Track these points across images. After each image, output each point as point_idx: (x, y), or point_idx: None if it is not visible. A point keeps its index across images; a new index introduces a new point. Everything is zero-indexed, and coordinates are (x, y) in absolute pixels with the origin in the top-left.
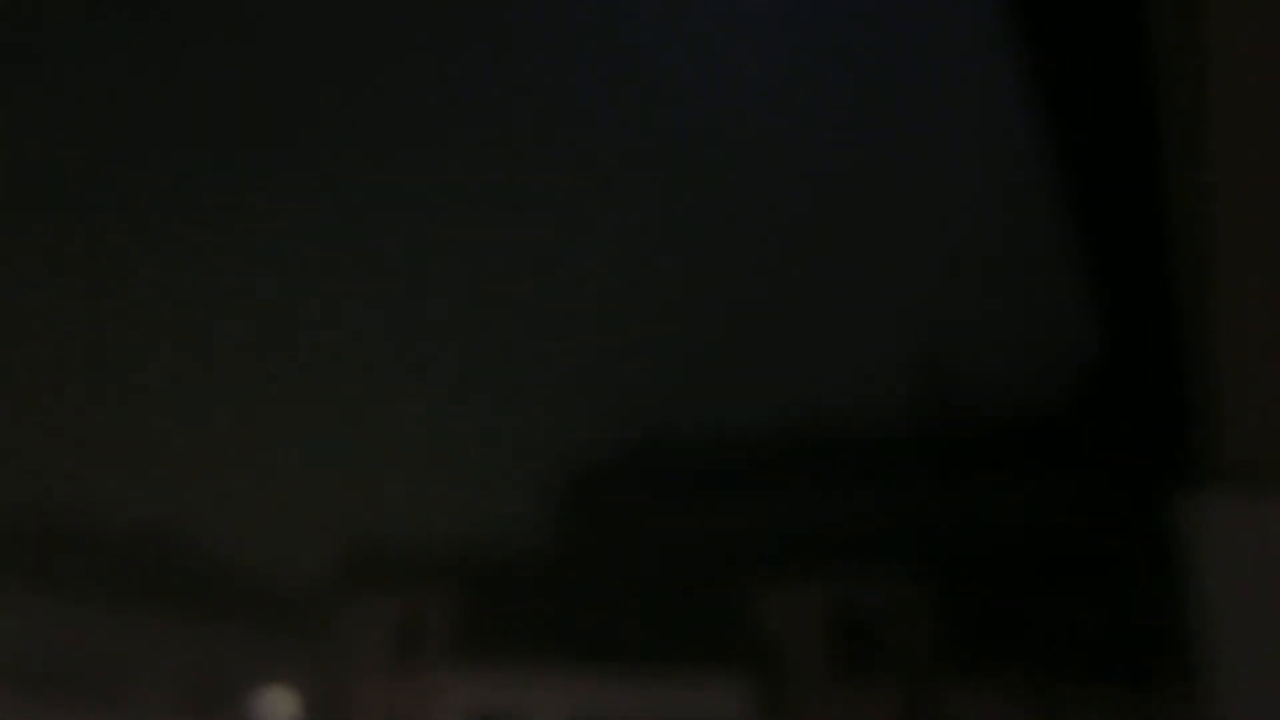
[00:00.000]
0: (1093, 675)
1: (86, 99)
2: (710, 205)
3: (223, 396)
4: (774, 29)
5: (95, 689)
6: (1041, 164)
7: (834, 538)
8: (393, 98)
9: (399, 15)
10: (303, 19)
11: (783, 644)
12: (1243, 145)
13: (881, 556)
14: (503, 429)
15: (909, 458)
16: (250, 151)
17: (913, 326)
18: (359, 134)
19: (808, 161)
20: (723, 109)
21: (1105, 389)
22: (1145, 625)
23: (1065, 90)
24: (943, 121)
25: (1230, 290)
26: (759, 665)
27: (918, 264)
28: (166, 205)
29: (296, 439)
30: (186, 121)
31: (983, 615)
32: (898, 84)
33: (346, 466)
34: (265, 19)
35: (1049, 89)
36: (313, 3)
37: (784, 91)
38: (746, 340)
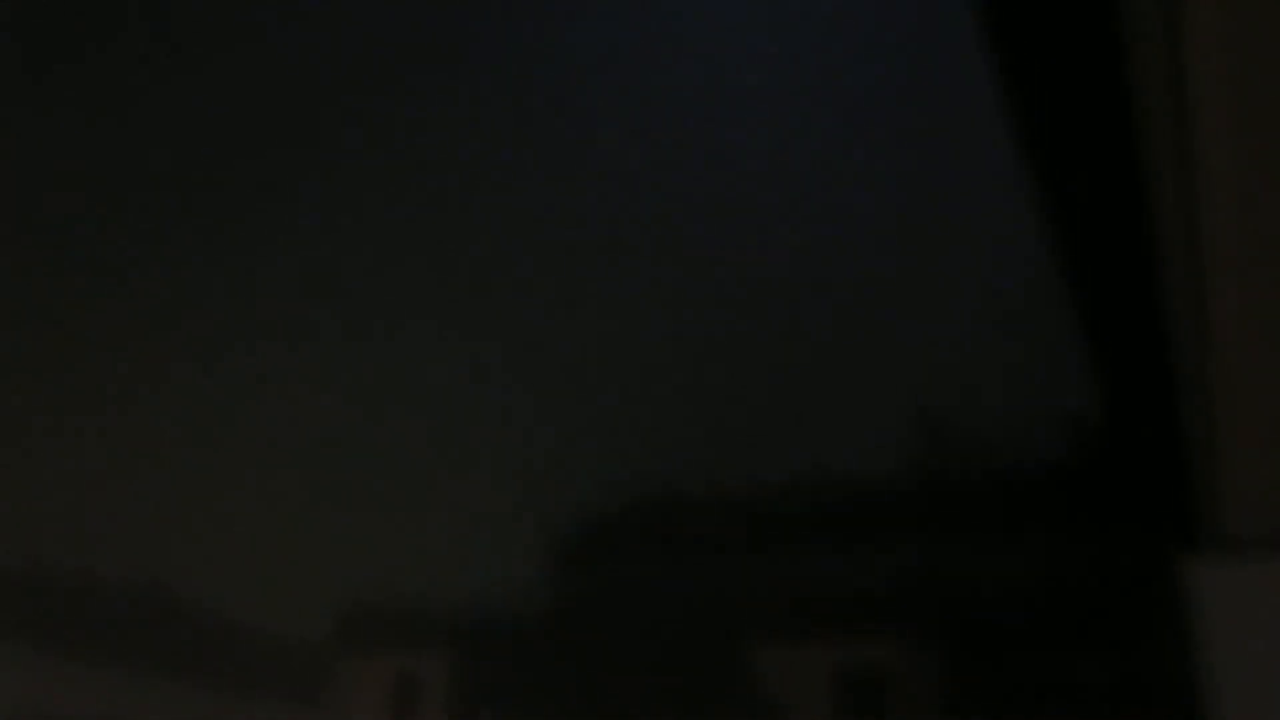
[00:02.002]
0: None
1: (81, 128)
2: (715, 266)
3: (222, 456)
4: (785, 97)
5: None
6: (1042, 227)
7: (838, 596)
8: (394, 161)
9: (404, 64)
10: (307, 55)
11: (788, 703)
12: (1240, 214)
13: (886, 615)
14: (502, 488)
15: (913, 517)
16: (254, 200)
17: (916, 386)
18: (363, 191)
19: (812, 226)
20: (731, 173)
21: (1107, 450)
22: (1149, 685)
23: (1062, 159)
24: (947, 187)
25: (1231, 355)
26: None
27: (921, 325)
28: (167, 255)
29: (295, 498)
30: (178, 173)
31: (987, 675)
32: (899, 148)
33: (344, 526)
34: (269, 52)
35: (1046, 156)
36: (316, 42)
37: (793, 157)
38: (750, 399)
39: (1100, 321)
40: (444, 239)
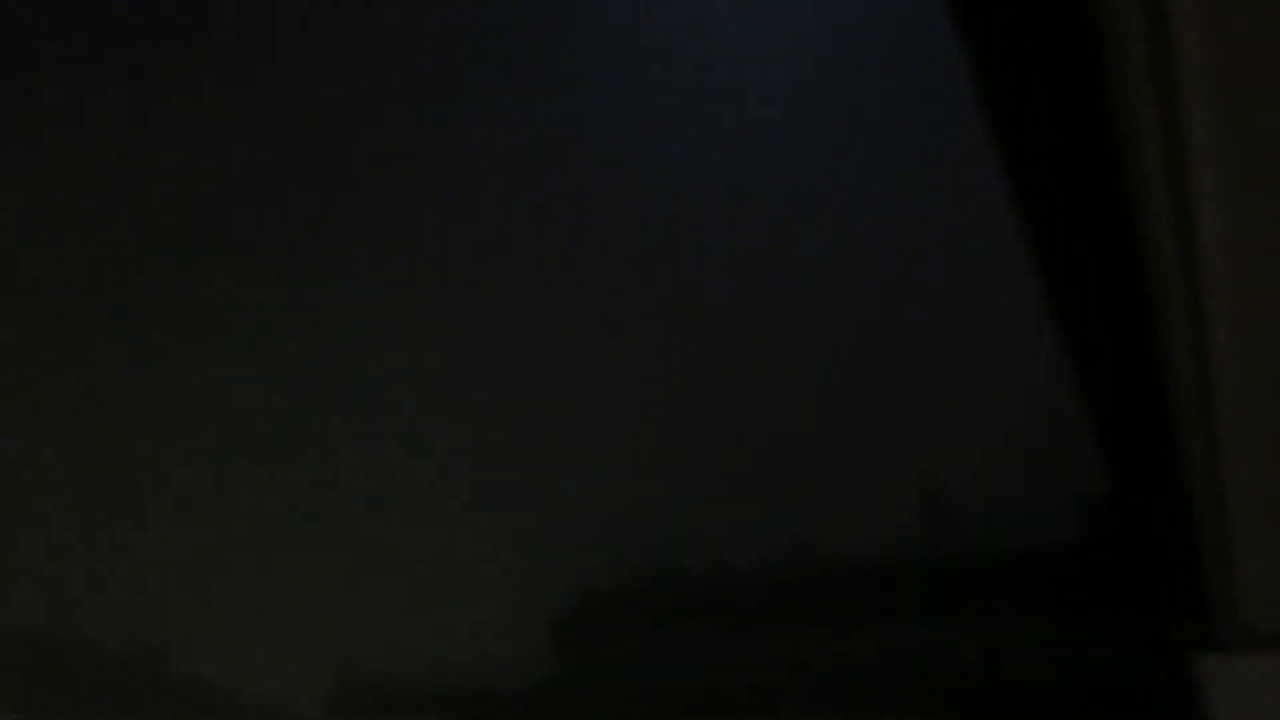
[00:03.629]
0: None
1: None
2: (719, 338)
3: (218, 524)
4: (793, 165)
5: None
6: (1051, 307)
7: (839, 675)
8: (381, 246)
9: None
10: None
11: None
12: (1246, 307)
13: (887, 697)
14: (500, 560)
15: (916, 597)
16: (253, 273)
17: (920, 462)
18: (357, 261)
19: (814, 298)
20: (735, 241)
21: (1117, 539)
22: None
23: (1065, 242)
24: (952, 262)
25: (1243, 446)
26: None
27: (925, 399)
28: (167, 326)
29: (291, 566)
30: (170, 247)
31: None
32: (902, 227)
33: (339, 596)
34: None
35: (1052, 242)
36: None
37: (795, 229)
38: (752, 472)
39: (1109, 407)
40: (442, 306)
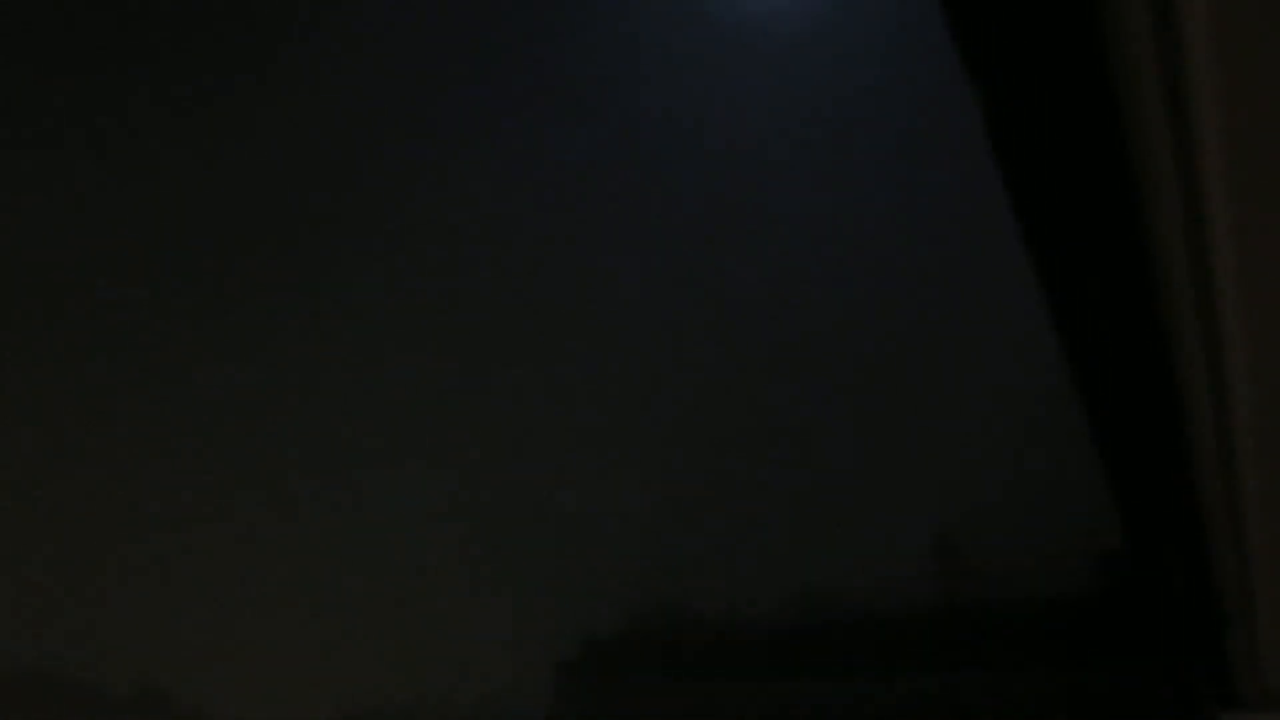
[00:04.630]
0: None
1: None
2: (730, 383)
3: (221, 565)
4: (806, 209)
5: None
6: (1065, 359)
7: None
8: (378, 285)
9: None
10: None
11: None
12: (1265, 350)
13: None
14: (507, 605)
15: (928, 647)
16: (245, 319)
17: (935, 511)
18: (358, 295)
19: (827, 346)
20: (747, 287)
21: (1135, 594)
22: None
23: (1076, 283)
24: (966, 312)
25: (1264, 505)
26: None
27: (939, 448)
28: (165, 363)
29: (295, 608)
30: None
31: None
32: (915, 268)
33: (345, 638)
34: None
35: (1062, 286)
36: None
37: (805, 276)
38: (763, 519)
39: (1129, 462)
40: (451, 345)
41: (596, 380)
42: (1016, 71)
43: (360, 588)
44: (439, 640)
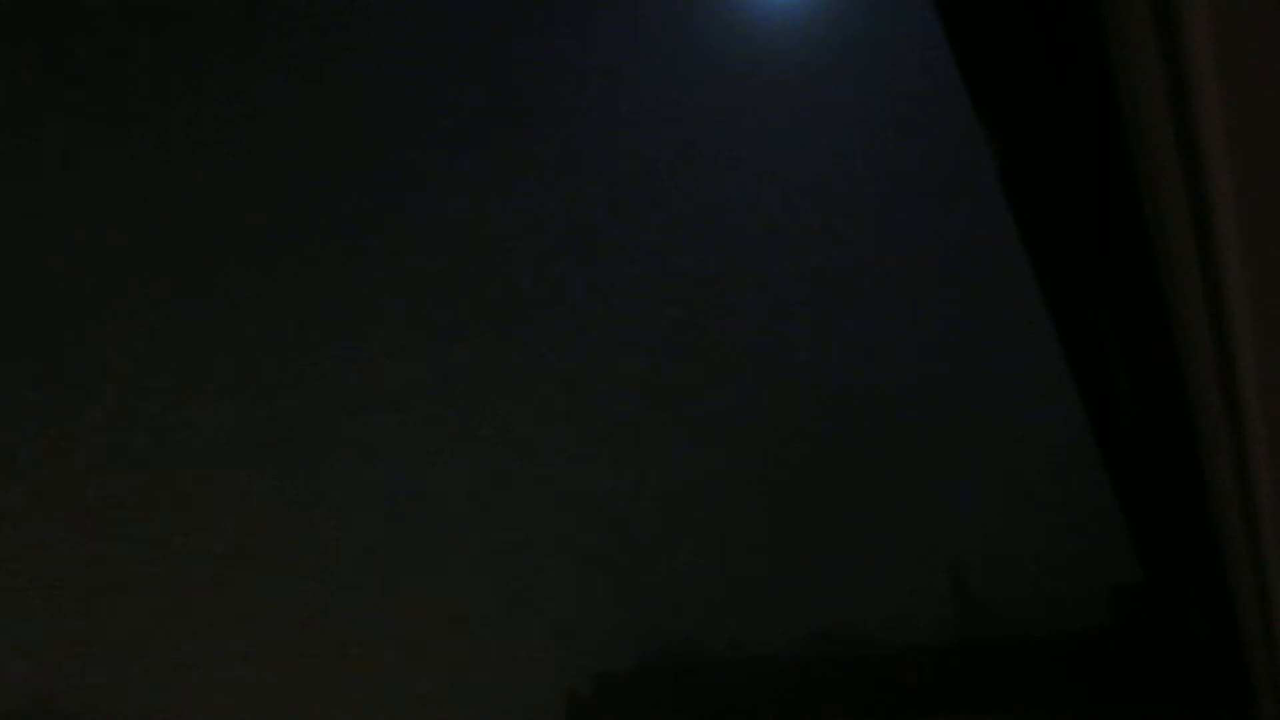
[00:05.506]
0: None
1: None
2: (741, 422)
3: (223, 615)
4: (820, 250)
5: None
6: (1077, 387)
7: None
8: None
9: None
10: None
11: None
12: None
13: None
14: (520, 640)
15: (946, 682)
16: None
17: (950, 547)
18: (370, 331)
19: (841, 383)
20: (760, 325)
21: (1155, 629)
22: None
23: (1101, 337)
24: (978, 341)
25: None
26: None
27: (952, 484)
28: (166, 406)
29: (301, 655)
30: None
31: None
32: (929, 304)
33: (355, 677)
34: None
35: (1086, 336)
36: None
37: (819, 312)
38: (775, 559)
39: (1146, 493)
40: (465, 376)
41: (609, 415)
42: (1026, 116)
43: (371, 624)
44: (452, 676)
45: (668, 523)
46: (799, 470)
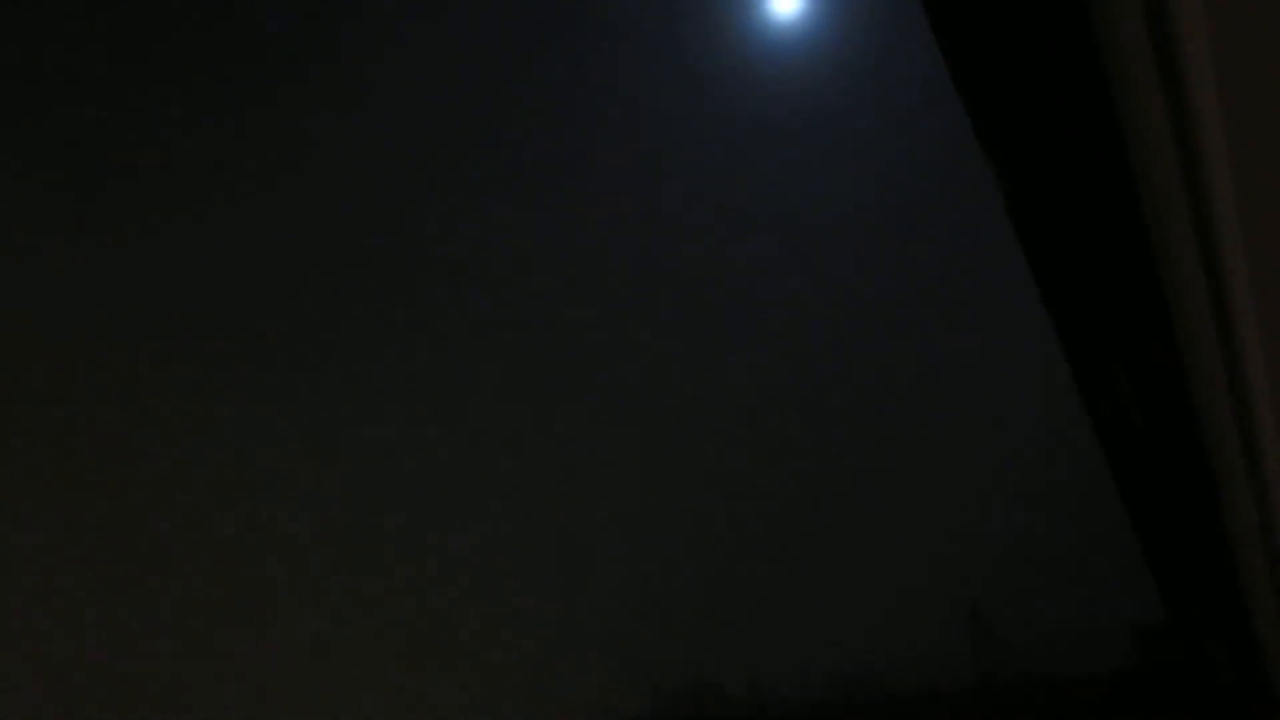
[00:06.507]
0: None
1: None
2: (754, 457)
3: (227, 657)
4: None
5: None
6: (1092, 424)
7: None
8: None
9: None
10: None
11: None
12: None
13: None
14: (531, 684)
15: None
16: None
17: (968, 586)
18: (374, 379)
19: (855, 416)
20: (772, 363)
21: (1175, 665)
22: None
23: (1115, 375)
24: (995, 380)
25: None
26: None
27: (971, 522)
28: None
29: (306, 700)
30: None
31: None
32: (944, 337)
33: (363, 712)
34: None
35: (1100, 375)
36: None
37: (834, 349)
38: (791, 593)
39: (1162, 528)
40: (471, 416)
41: (616, 452)
42: (1033, 154)
43: (378, 682)
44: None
45: (685, 567)
46: (816, 511)
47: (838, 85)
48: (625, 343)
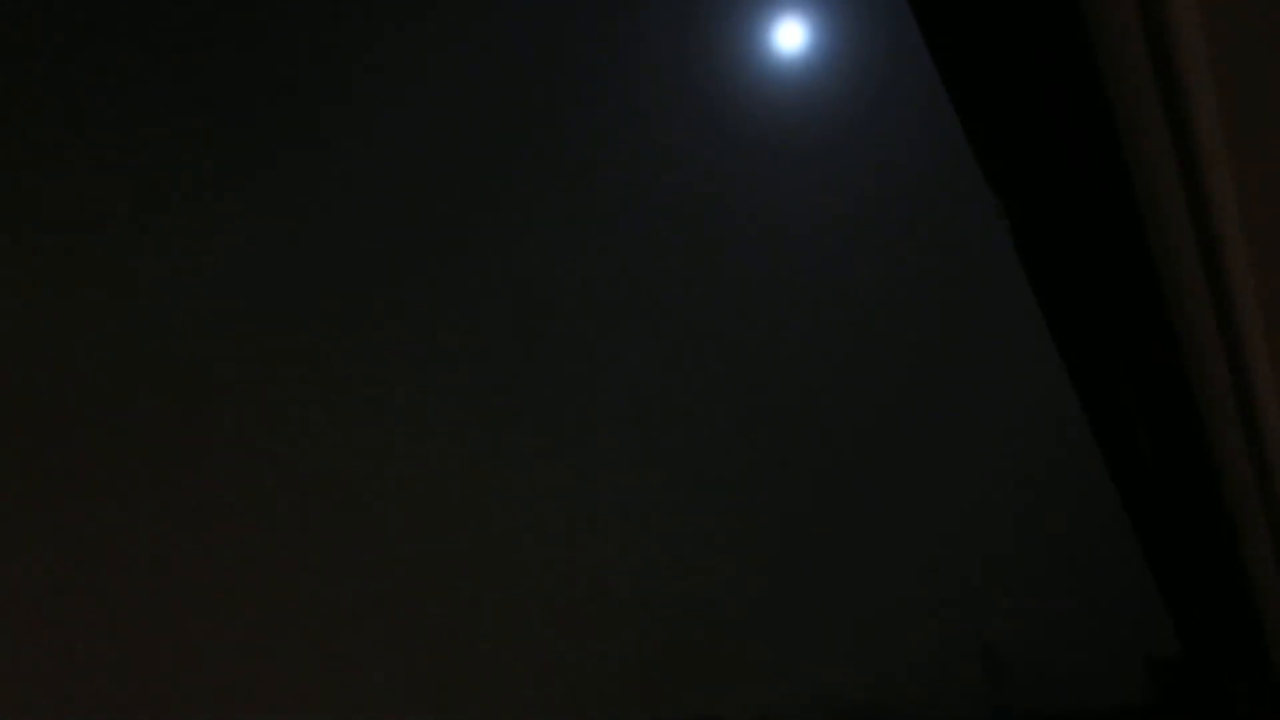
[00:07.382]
0: None
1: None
2: (762, 480)
3: (232, 690)
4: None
5: None
6: (1103, 454)
7: None
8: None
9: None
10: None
11: None
12: None
13: None
14: (530, 707)
15: None
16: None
17: (980, 618)
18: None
19: (866, 444)
20: (781, 385)
21: (1193, 699)
22: None
23: (1129, 412)
24: (1009, 412)
25: None
26: None
27: (985, 554)
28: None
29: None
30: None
31: None
32: (955, 366)
33: None
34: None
35: (1116, 413)
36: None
37: (842, 376)
38: (799, 626)
39: (1176, 560)
40: (476, 454)
41: (617, 474)
42: (1037, 184)
43: (384, 674)
44: None
45: (685, 590)
46: (826, 542)
47: (841, 116)
48: (629, 351)
